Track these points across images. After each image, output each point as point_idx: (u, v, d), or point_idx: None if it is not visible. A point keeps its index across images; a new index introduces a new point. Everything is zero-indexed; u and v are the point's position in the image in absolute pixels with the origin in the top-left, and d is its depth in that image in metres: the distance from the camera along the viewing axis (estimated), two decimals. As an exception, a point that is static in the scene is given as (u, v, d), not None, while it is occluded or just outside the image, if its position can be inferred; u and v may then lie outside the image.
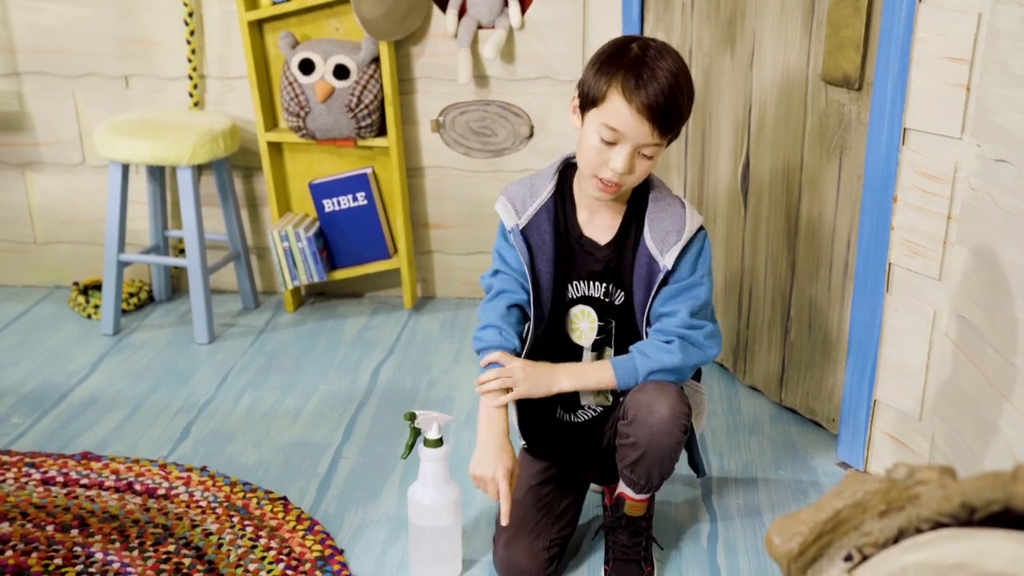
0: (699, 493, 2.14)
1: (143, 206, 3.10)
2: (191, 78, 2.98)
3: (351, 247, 3.03)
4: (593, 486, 2.09)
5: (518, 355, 1.79)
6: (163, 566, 1.87)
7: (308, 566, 1.88)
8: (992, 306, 1.72)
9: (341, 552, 1.94)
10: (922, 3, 1.84)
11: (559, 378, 1.77)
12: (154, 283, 3.15)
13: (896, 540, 0.86)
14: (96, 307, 3.01)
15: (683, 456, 1.96)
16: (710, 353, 1.76)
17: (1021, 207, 1.63)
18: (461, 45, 2.83)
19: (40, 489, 2.12)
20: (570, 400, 1.90)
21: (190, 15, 2.92)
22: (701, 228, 1.77)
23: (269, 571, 1.86)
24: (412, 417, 1.78)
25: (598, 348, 1.85)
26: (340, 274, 3.04)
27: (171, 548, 1.93)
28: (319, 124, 2.86)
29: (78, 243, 3.21)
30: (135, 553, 1.91)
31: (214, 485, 2.14)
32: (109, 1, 2.94)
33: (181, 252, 3.15)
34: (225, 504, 2.07)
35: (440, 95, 2.95)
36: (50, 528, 1.99)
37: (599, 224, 1.80)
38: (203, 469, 2.20)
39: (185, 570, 1.86)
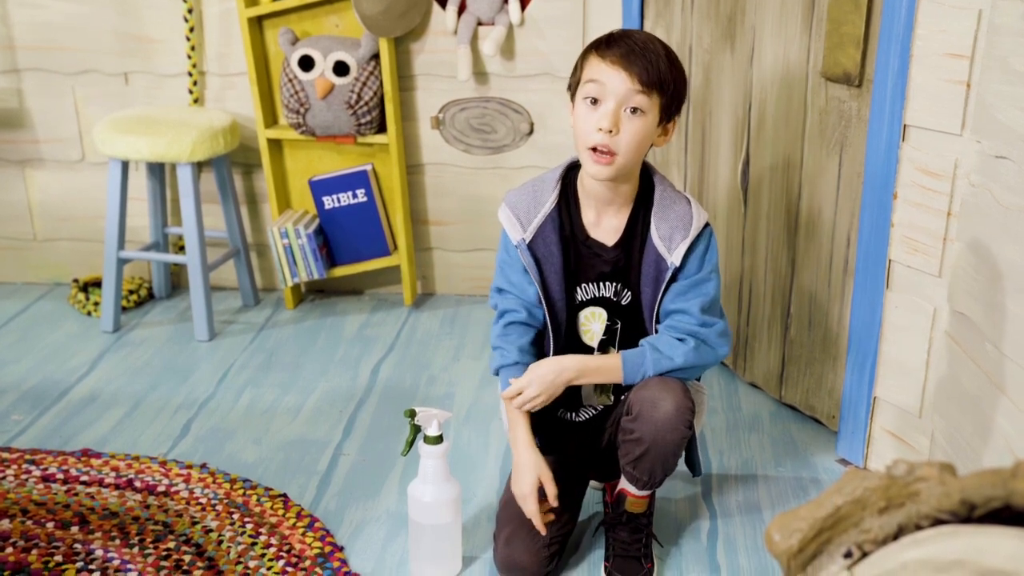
0: (699, 490, 2.14)
1: (143, 203, 3.10)
2: (191, 75, 2.98)
3: (351, 244, 3.03)
4: (593, 483, 2.09)
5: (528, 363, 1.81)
6: (163, 563, 1.87)
7: (308, 563, 1.88)
8: (992, 303, 1.72)
9: (341, 549, 1.94)
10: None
11: (566, 370, 1.77)
12: (154, 280, 3.15)
13: (896, 537, 0.86)
14: (96, 304, 3.01)
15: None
16: (721, 352, 1.77)
17: (1021, 203, 1.63)
18: (461, 42, 2.83)
19: (40, 486, 2.12)
20: (572, 399, 1.90)
21: (190, 12, 2.91)
22: (707, 224, 1.77)
23: (269, 568, 1.86)
24: (412, 414, 1.78)
25: (603, 348, 1.85)
26: (340, 271, 3.04)
27: (171, 545, 1.93)
28: (319, 121, 2.86)
29: (78, 240, 3.21)
30: (135, 550, 1.91)
31: (214, 482, 2.14)
32: (109, -2, 2.95)
33: (181, 249, 3.15)
34: (225, 501, 2.07)
35: (440, 92, 2.95)
36: (50, 525, 1.99)
37: (606, 225, 1.79)
38: (203, 466, 2.20)
39: (185, 567, 1.86)
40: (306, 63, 2.82)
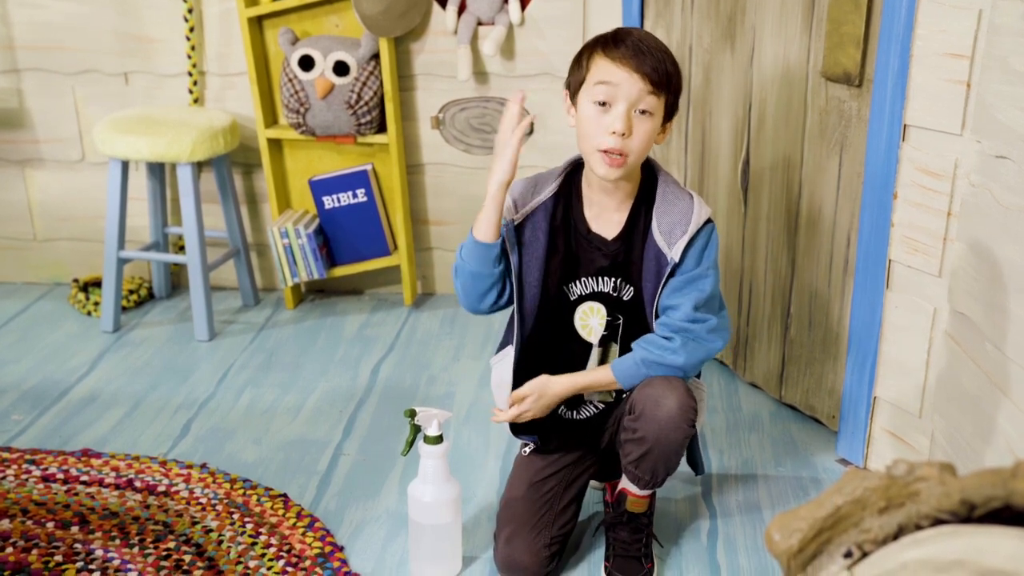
0: (699, 490, 2.14)
1: (143, 203, 3.10)
2: (191, 75, 2.98)
3: (351, 244, 3.03)
4: (594, 483, 2.09)
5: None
6: (163, 563, 1.87)
7: (308, 563, 1.88)
8: (992, 303, 1.72)
9: (341, 549, 1.94)
10: (922, -1, 1.84)
11: (559, 390, 1.81)
12: (154, 280, 3.15)
13: (896, 537, 0.86)
14: (96, 304, 3.01)
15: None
16: (714, 347, 1.76)
17: (1021, 203, 1.63)
18: (461, 41, 2.83)
19: (40, 486, 2.12)
20: (573, 398, 1.90)
21: (190, 11, 2.91)
22: (709, 220, 1.76)
23: (269, 568, 1.86)
24: (412, 414, 1.78)
25: (604, 344, 1.85)
26: (340, 271, 3.04)
27: (171, 545, 1.93)
28: (319, 121, 2.86)
29: (78, 240, 3.21)
30: (135, 550, 1.91)
31: (214, 482, 2.14)
32: (109, -2, 2.95)
33: (181, 249, 3.15)
34: (225, 501, 2.07)
35: (440, 92, 2.95)
36: (50, 525, 1.99)
37: (607, 219, 1.79)
38: (203, 466, 2.20)
39: (185, 567, 1.86)
40: (306, 63, 2.82)
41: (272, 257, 3.13)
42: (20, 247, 3.24)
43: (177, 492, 2.10)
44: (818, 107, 2.14)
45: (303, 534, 1.96)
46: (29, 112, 3.08)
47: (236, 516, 2.02)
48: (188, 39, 2.94)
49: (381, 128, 2.94)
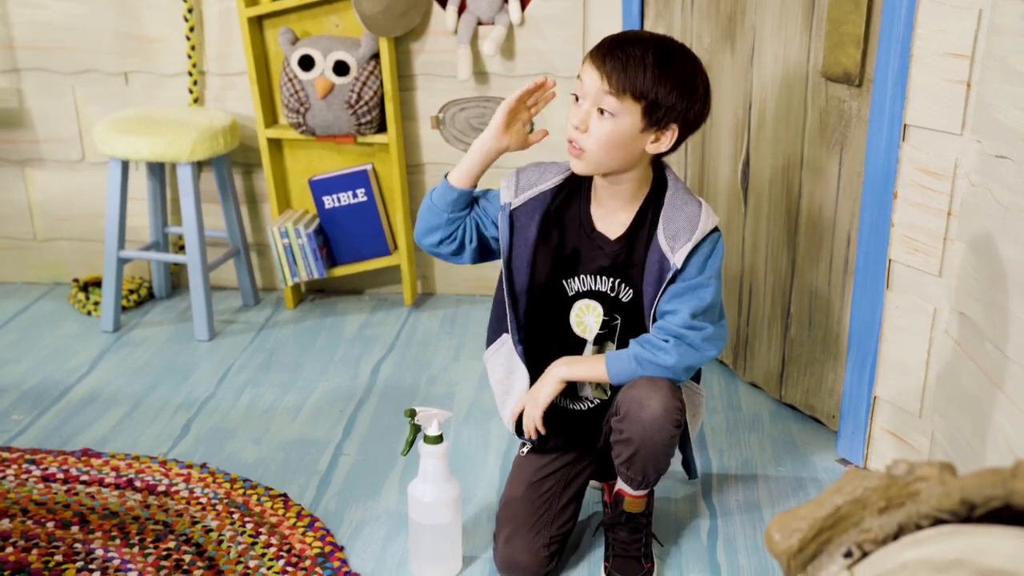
0: (699, 490, 2.14)
1: (143, 203, 3.10)
2: (191, 74, 2.98)
3: (351, 244, 3.03)
4: (593, 483, 2.09)
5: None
6: (163, 563, 1.87)
7: (308, 563, 1.88)
8: (992, 303, 1.72)
9: (341, 549, 1.94)
10: (922, -1, 1.84)
11: (554, 369, 1.81)
12: (154, 280, 3.15)
13: (896, 536, 0.86)
14: (96, 304, 3.01)
15: (677, 455, 1.96)
16: (707, 355, 1.75)
17: (1021, 203, 1.63)
18: (461, 41, 2.83)
19: (40, 486, 2.12)
20: (570, 387, 1.90)
21: (190, 11, 2.91)
22: (715, 229, 1.75)
23: (269, 568, 1.86)
24: (412, 414, 1.78)
25: (600, 343, 1.85)
26: (340, 271, 3.04)
27: (171, 545, 1.93)
28: (319, 120, 2.86)
29: (78, 240, 3.21)
30: (135, 550, 1.91)
31: (214, 482, 2.14)
32: (109, -3, 2.95)
33: (181, 249, 3.15)
34: (225, 501, 2.07)
35: (440, 91, 2.95)
36: (50, 525, 1.99)
37: (612, 219, 1.79)
38: (203, 466, 2.20)
39: (185, 567, 1.86)
40: (306, 63, 2.82)
41: (272, 257, 3.13)
42: (20, 247, 3.24)
43: (177, 492, 2.10)
44: (818, 107, 2.14)
45: (303, 534, 1.96)
46: (29, 112, 3.08)
47: (236, 516, 2.02)
48: (188, 39, 2.94)
49: (381, 128, 2.94)
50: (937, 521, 0.84)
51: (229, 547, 1.92)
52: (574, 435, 1.93)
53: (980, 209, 1.76)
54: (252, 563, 1.87)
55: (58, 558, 1.89)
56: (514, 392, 1.87)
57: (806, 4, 2.12)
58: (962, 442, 1.85)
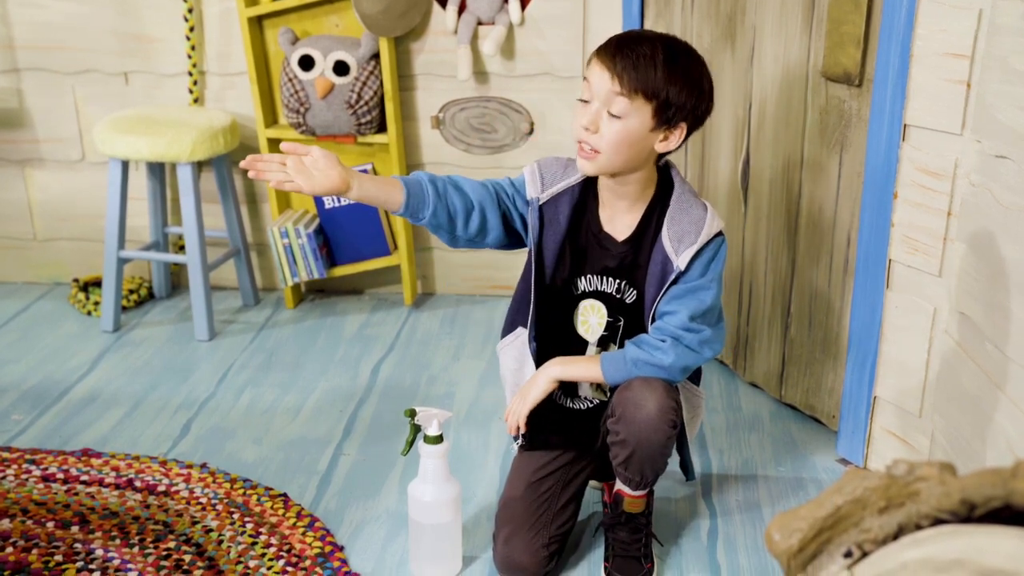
0: (699, 490, 2.14)
1: (143, 203, 3.10)
2: (191, 74, 2.98)
3: (351, 244, 3.03)
4: (593, 483, 2.09)
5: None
6: (163, 563, 1.87)
7: (308, 563, 1.88)
8: (992, 303, 1.72)
9: (341, 549, 1.94)
10: (922, -1, 1.84)
11: (548, 368, 1.80)
12: (154, 280, 3.15)
13: (896, 536, 0.86)
14: (96, 304, 3.01)
15: (675, 455, 1.96)
16: (703, 357, 1.75)
17: (1021, 203, 1.63)
18: (461, 41, 2.83)
19: (40, 486, 2.12)
20: (569, 386, 1.90)
21: (190, 11, 2.91)
22: (720, 233, 1.75)
23: (269, 568, 1.86)
24: (412, 414, 1.78)
25: (603, 344, 1.85)
26: (340, 271, 3.04)
27: (171, 545, 1.93)
28: (319, 120, 2.86)
29: (78, 240, 3.21)
30: (135, 550, 1.91)
31: (214, 482, 2.14)
32: (109, -3, 2.95)
33: (181, 249, 3.15)
34: (225, 501, 2.07)
35: (440, 91, 2.95)
36: (50, 525, 1.99)
37: (619, 222, 1.79)
38: (203, 466, 2.20)
39: (185, 567, 1.86)
40: (306, 63, 2.82)
41: (272, 257, 3.13)
42: (20, 247, 3.24)
43: (177, 492, 2.10)
44: (818, 107, 2.14)
45: (303, 534, 1.96)
46: (29, 112, 3.08)
47: (236, 516, 2.02)
48: (188, 39, 2.94)
49: (381, 128, 2.94)
50: (937, 521, 0.84)
51: (229, 547, 1.92)
52: (572, 433, 1.93)
53: (980, 209, 1.76)
54: (252, 563, 1.87)
55: (58, 558, 1.89)
56: (526, 376, 1.88)
57: (806, 4, 2.12)
58: (962, 442, 1.85)
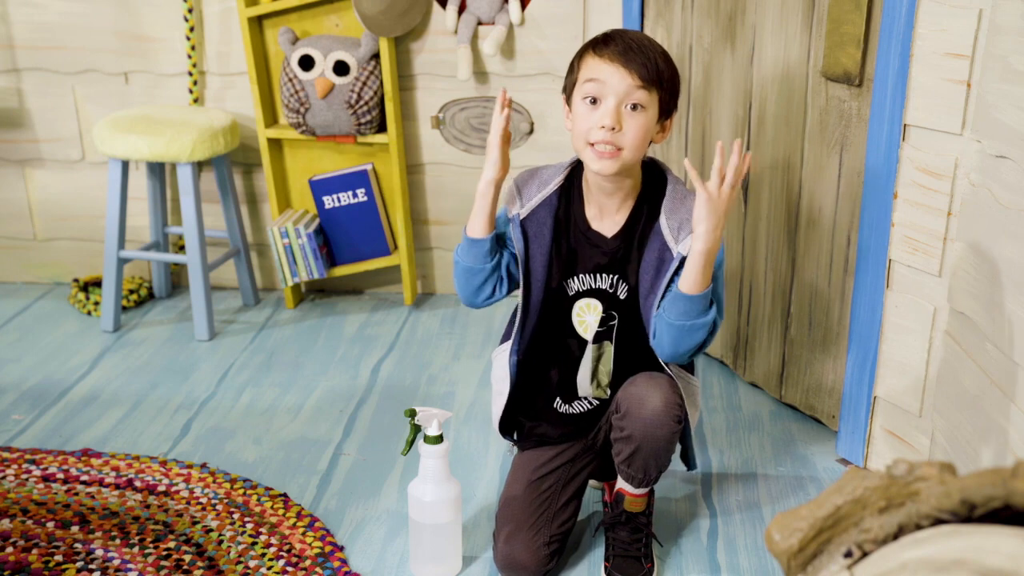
0: (699, 489, 2.14)
1: (143, 203, 3.10)
2: (191, 74, 2.98)
3: (351, 244, 3.03)
4: (593, 482, 2.09)
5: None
6: (163, 563, 1.87)
7: (308, 563, 1.88)
8: (992, 302, 1.72)
9: (341, 548, 1.94)
10: (922, -1, 1.84)
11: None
12: (154, 280, 3.15)
13: (896, 536, 0.86)
14: (96, 304, 3.01)
15: (678, 449, 1.96)
16: (708, 341, 1.75)
17: (1021, 203, 1.63)
18: (461, 41, 2.83)
19: (40, 486, 2.12)
20: (568, 391, 1.90)
21: (190, 11, 2.91)
22: None
23: (269, 568, 1.86)
24: (412, 414, 1.78)
25: (598, 341, 1.85)
26: (340, 271, 3.04)
27: (171, 545, 1.93)
28: (319, 120, 2.86)
29: (78, 240, 3.21)
30: (135, 550, 1.91)
31: (214, 482, 2.14)
32: (109, -3, 2.95)
33: (181, 249, 3.15)
34: (225, 501, 2.07)
35: (440, 91, 2.95)
36: (50, 525, 1.99)
37: (607, 219, 1.79)
38: (203, 466, 2.20)
39: (185, 567, 1.86)
40: (306, 63, 2.82)
41: (272, 257, 3.13)
42: (20, 247, 3.24)
43: (177, 492, 2.10)
44: (818, 107, 2.14)
45: (303, 534, 1.96)
46: (29, 112, 3.08)
47: (236, 516, 2.02)
48: (188, 39, 2.94)
49: (381, 128, 2.94)
50: (937, 521, 0.84)
51: (229, 547, 1.92)
52: (573, 432, 1.93)
53: (980, 209, 1.76)
54: (252, 563, 1.87)
55: (58, 558, 1.89)
56: (501, 395, 1.89)
57: (806, 4, 2.12)
58: (962, 442, 1.85)
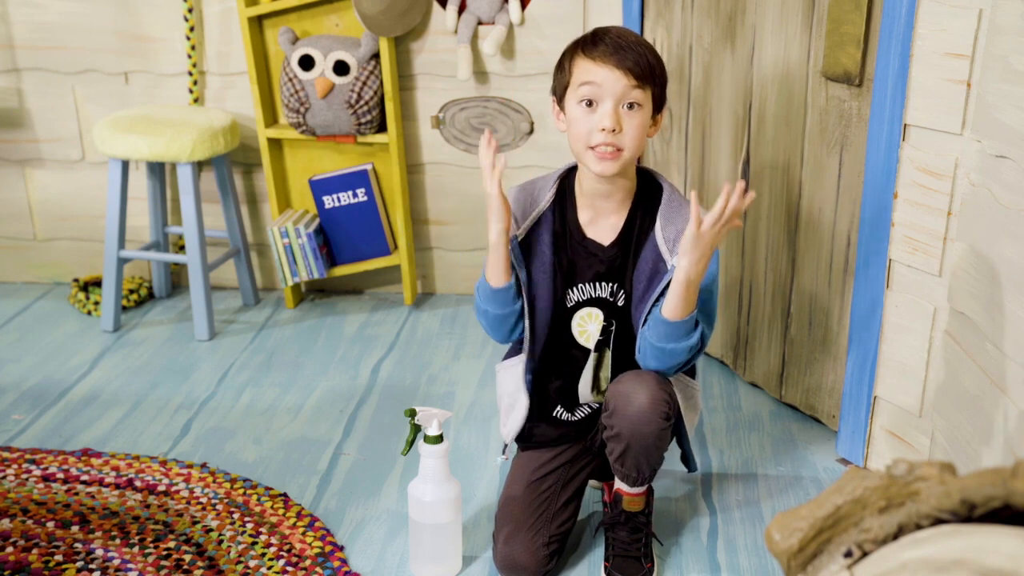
0: (699, 489, 2.14)
1: (143, 202, 3.10)
2: (191, 74, 2.98)
3: (351, 243, 3.03)
4: (592, 482, 2.09)
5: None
6: (163, 562, 1.87)
7: (308, 562, 1.88)
8: (992, 302, 1.72)
9: (341, 548, 1.94)
10: (922, -1, 1.84)
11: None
12: (154, 279, 3.15)
13: (896, 536, 0.86)
14: (96, 303, 3.01)
15: (675, 450, 1.96)
16: (694, 359, 1.76)
17: (1021, 203, 1.63)
18: (461, 41, 2.83)
19: (41, 485, 2.12)
20: (570, 399, 1.90)
21: (190, 11, 2.91)
22: None
23: (269, 567, 1.86)
24: (412, 413, 1.78)
25: (599, 349, 1.85)
26: (340, 270, 3.04)
27: (171, 544, 1.93)
28: (319, 120, 2.86)
29: (78, 240, 3.21)
30: (135, 549, 1.91)
31: (214, 482, 2.14)
32: (109, -3, 2.95)
33: (181, 248, 3.15)
34: (225, 500, 2.07)
35: (440, 91, 2.95)
36: (51, 524, 1.99)
37: (603, 224, 1.79)
38: (203, 466, 2.20)
39: (185, 566, 1.86)
40: (306, 62, 2.82)
41: (272, 257, 3.13)
42: (20, 247, 3.24)
43: (177, 492, 2.10)
44: (818, 107, 2.14)
45: (303, 534, 1.96)
46: (29, 112, 3.08)
47: (236, 516, 2.02)
48: (188, 39, 2.94)
49: (381, 128, 2.94)
50: (937, 521, 0.84)
51: (229, 547, 1.92)
52: (572, 437, 1.93)
53: (980, 209, 1.76)
54: (252, 563, 1.87)
55: (58, 558, 1.89)
56: (517, 409, 1.89)
57: (806, 4, 2.12)
58: (962, 442, 1.85)
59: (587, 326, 1.84)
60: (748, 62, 2.32)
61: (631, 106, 1.68)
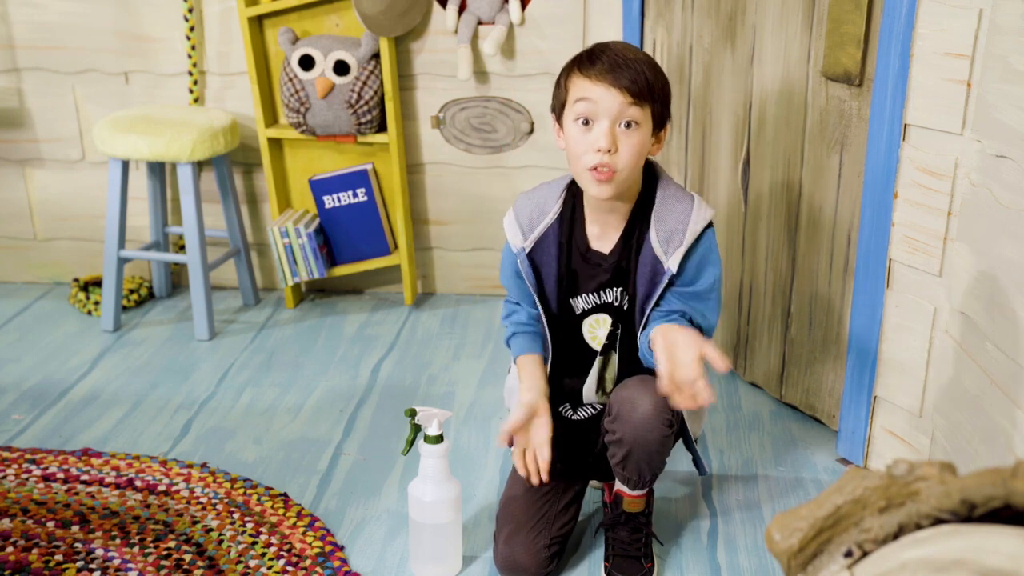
0: (699, 489, 2.14)
1: (143, 202, 3.10)
2: (191, 74, 2.98)
3: (351, 243, 3.03)
4: (593, 482, 2.09)
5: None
6: (163, 562, 1.87)
7: (308, 562, 1.88)
8: (992, 302, 1.72)
9: (341, 548, 1.94)
10: (923, -1, 1.84)
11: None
12: (154, 279, 3.15)
13: (896, 536, 0.86)
14: (96, 303, 3.01)
15: (688, 456, 1.96)
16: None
17: (1021, 203, 1.63)
18: (461, 41, 2.83)
19: (41, 485, 2.12)
20: (575, 399, 1.90)
21: (190, 11, 2.91)
22: (709, 225, 1.74)
23: (269, 567, 1.86)
24: (412, 413, 1.78)
25: (605, 352, 1.85)
26: (340, 270, 3.04)
27: (171, 544, 1.93)
28: (319, 120, 2.86)
29: (78, 239, 3.21)
30: (136, 549, 1.91)
31: (215, 481, 2.14)
32: (109, -3, 2.95)
33: (181, 248, 3.15)
34: (225, 500, 2.07)
35: (440, 91, 2.95)
36: (51, 524, 1.99)
37: (608, 237, 1.78)
38: (203, 465, 2.20)
39: (186, 566, 1.86)
40: (306, 62, 2.82)
41: (272, 257, 3.13)
42: (20, 247, 3.24)
43: (177, 491, 2.10)
44: (818, 107, 2.14)
45: (303, 533, 1.96)
46: (29, 112, 3.08)
47: (236, 515, 2.02)
48: (188, 39, 2.94)
49: (381, 127, 2.94)
50: (937, 521, 0.84)
51: (229, 547, 1.92)
52: (575, 436, 1.93)
53: (980, 209, 1.76)
54: (252, 563, 1.87)
55: (58, 558, 1.89)
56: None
57: (806, 4, 2.12)
58: (962, 442, 1.85)
59: (596, 331, 1.85)
60: (748, 62, 2.32)
61: (628, 124, 1.64)
